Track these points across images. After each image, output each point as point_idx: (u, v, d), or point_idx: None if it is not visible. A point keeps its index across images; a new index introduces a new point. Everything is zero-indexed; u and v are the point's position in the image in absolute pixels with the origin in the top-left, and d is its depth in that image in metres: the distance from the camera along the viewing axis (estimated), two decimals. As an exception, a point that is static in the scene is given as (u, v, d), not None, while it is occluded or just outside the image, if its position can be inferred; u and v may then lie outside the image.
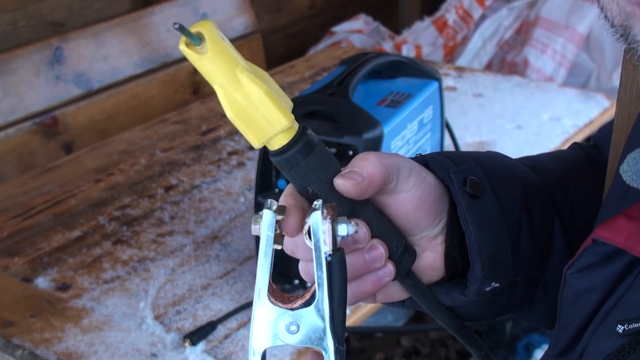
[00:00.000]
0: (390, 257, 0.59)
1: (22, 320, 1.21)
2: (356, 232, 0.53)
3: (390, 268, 0.59)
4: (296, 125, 0.53)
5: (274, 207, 0.52)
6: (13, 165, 1.88)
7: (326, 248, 0.51)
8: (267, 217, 0.52)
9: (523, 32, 2.64)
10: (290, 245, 0.57)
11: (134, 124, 2.00)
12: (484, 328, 2.04)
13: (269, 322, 0.52)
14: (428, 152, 0.66)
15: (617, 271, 0.55)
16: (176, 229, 1.45)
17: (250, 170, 1.64)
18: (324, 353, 0.52)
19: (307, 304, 0.52)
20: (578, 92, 2.03)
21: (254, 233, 0.52)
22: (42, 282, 1.30)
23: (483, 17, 2.67)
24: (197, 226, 1.45)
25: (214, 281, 1.30)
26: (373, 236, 0.58)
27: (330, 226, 0.51)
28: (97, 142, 1.88)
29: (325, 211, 0.52)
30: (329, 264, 0.52)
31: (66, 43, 2.00)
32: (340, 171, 0.56)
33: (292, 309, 0.52)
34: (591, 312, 0.57)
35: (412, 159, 0.63)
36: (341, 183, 0.55)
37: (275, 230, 0.52)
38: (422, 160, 0.63)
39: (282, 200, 0.56)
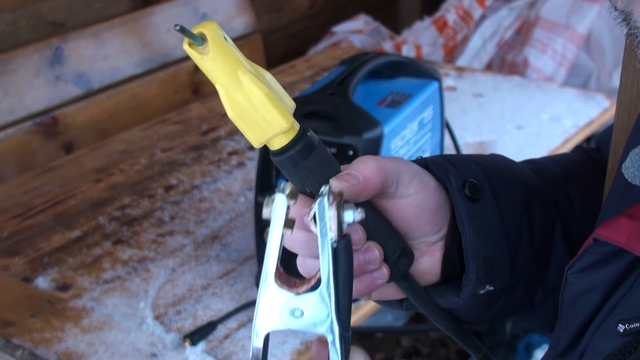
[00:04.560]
0: (387, 260, 0.59)
1: (22, 320, 1.21)
2: (363, 219, 0.52)
3: (384, 271, 0.59)
4: (297, 127, 0.53)
5: (287, 191, 0.52)
6: (13, 165, 1.88)
7: (332, 234, 0.51)
8: (279, 200, 0.52)
9: (523, 32, 2.64)
10: (289, 240, 0.57)
11: (134, 124, 2.00)
12: (483, 328, 2.04)
13: (274, 306, 0.52)
14: (428, 152, 0.66)
15: (618, 271, 0.55)
16: (176, 229, 1.45)
17: (250, 170, 1.64)
18: (328, 339, 0.51)
19: (313, 289, 0.51)
20: (578, 92, 2.03)
21: (264, 216, 0.52)
22: (42, 282, 1.30)
23: (483, 17, 2.67)
24: (197, 226, 1.45)
25: (214, 281, 1.30)
26: (370, 238, 0.58)
27: (336, 212, 0.51)
28: (97, 142, 1.88)
29: (331, 197, 0.52)
30: (334, 251, 0.51)
31: (66, 43, 2.00)
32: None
33: (297, 294, 0.52)
34: (592, 312, 0.57)
35: (414, 161, 0.63)
36: (336, 185, 0.55)
37: (286, 214, 0.52)
38: (423, 163, 0.63)
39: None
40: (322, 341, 0.52)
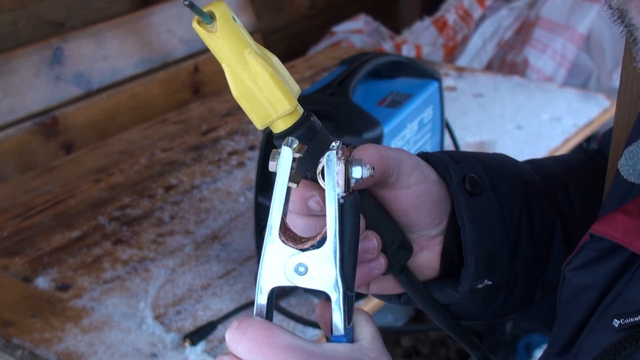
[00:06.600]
0: (385, 250, 0.59)
1: (22, 320, 1.21)
2: (371, 176, 0.51)
3: (381, 261, 0.58)
4: (300, 110, 0.53)
5: (294, 146, 0.51)
6: (13, 165, 1.88)
7: (339, 190, 0.50)
8: (285, 153, 0.51)
9: (523, 32, 2.64)
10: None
11: (134, 124, 2.00)
12: (483, 328, 2.04)
13: (279, 262, 0.51)
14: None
15: (615, 267, 0.55)
16: (176, 229, 1.45)
17: (250, 170, 1.64)
18: (332, 298, 0.50)
19: (318, 245, 0.51)
20: (578, 92, 2.03)
21: (270, 169, 0.52)
22: (42, 282, 1.30)
23: (483, 17, 2.67)
24: (197, 226, 1.45)
25: (214, 281, 1.30)
26: (369, 228, 0.58)
27: (344, 167, 0.50)
28: (97, 142, 1.88)
29: (340, 152, 0.51)
30: (341, 207, 0.50)
31: (66, 43, 2.00)
32: None
33: (302, 250, 0.51)
34: (589, 309, 0.57)
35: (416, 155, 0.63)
36: None
37: (292, 168, 0.51)
38: (424, 157, 0.63)
39: None
40: (326, 302, 0.52)
